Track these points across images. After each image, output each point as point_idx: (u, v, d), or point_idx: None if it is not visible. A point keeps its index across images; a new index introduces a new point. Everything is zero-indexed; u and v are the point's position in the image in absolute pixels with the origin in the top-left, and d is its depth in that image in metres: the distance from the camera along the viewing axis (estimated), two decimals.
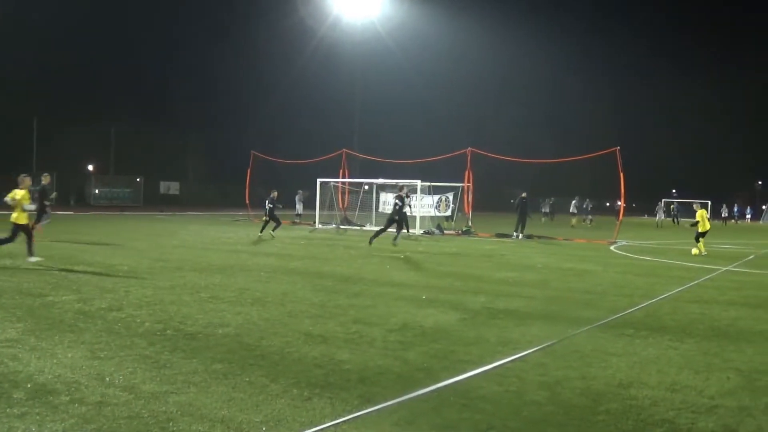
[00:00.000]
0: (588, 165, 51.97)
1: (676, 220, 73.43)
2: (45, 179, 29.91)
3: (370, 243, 29.27)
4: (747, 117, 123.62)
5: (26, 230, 20.19)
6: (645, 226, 61.77)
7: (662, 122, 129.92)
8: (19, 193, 19.75)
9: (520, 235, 38.48)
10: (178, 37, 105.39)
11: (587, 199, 63.11)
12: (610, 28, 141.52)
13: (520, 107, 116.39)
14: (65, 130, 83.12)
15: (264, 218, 35.46)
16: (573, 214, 59.47)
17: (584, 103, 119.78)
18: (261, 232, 35.08)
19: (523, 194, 39.98)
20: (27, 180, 20.55)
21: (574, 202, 60.27)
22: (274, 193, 35.43)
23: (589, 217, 62.99)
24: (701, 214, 29.31)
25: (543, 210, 66.58)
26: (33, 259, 20.00)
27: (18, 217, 19.84)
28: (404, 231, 34.92)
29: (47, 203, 29.58)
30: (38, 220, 27.58)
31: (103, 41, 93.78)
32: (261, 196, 45.63)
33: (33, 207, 20.87)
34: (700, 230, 29.29)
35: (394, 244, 28.72)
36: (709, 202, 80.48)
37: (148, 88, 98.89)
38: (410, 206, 40.82)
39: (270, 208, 35.00)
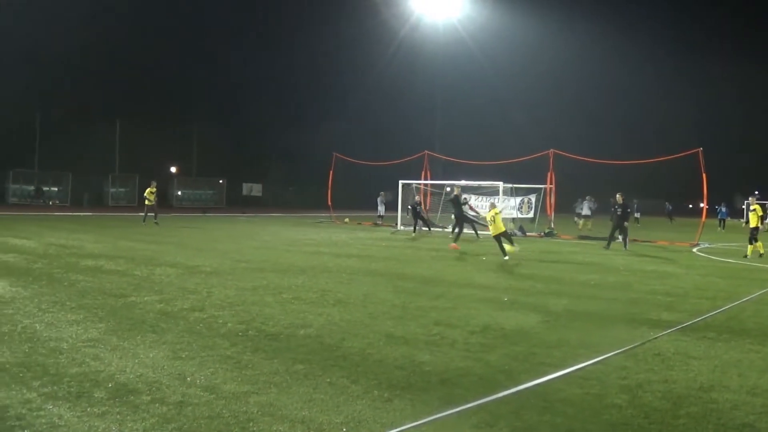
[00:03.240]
0: (670, 166, 51.11)
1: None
2: (417, 197, 35.18)
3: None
4: None
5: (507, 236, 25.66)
6: (728, 228, 60.48)
7: (745, 121, 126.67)
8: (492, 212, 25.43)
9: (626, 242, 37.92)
10: (260, 38, 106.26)
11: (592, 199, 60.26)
12: (691, 24, 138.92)
13: (600, 108, 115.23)
14: (148, 131, 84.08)
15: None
16: (580, 215, 54.83)
17: (666, 102, 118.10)
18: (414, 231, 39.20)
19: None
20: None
21: (586, 203, 55.28)
22: (418, 198, 40.17)
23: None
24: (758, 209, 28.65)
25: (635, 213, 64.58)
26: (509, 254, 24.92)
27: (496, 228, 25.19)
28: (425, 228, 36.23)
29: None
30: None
31: (186, 43, 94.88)
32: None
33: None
34: (752, 226, 28.63)
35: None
36: None
37: (229, 91, 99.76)
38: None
39: (416, 210, 39.96)
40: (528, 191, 47.48)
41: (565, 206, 54.64)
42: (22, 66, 78.60)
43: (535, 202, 46.71)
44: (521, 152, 49.89)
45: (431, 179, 52.38)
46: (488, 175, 48.26)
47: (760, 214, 28.28)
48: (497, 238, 25.28)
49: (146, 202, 42.54)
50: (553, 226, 43.23)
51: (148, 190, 42.36)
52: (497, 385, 8.50)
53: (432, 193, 52.68)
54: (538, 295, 16.29)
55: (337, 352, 9.92)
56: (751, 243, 28.56)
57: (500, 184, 43.70)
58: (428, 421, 7.14)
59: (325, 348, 10.18)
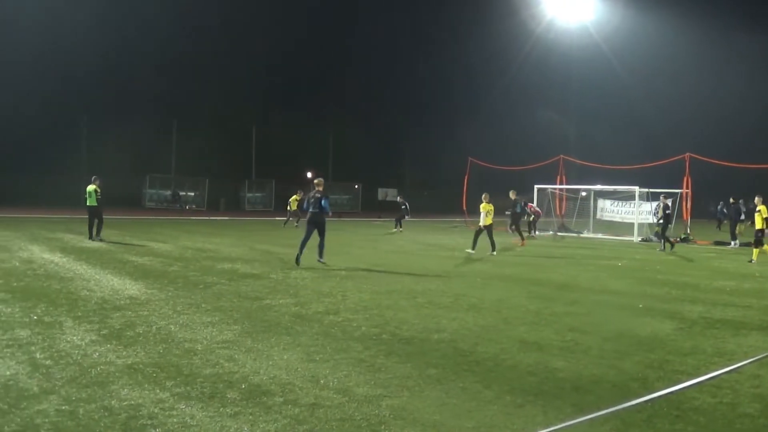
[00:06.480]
0: None
1: None
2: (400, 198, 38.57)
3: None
4: None
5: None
6: None
7: None
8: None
9: (736, 243, 37.34)
10: (392, 44, 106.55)
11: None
12: None
13: (737, 112, 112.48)
14: (283, 137, 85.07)
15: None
16: (742, 220, 51.61)
17: None
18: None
19: (731, 200, 38.94)
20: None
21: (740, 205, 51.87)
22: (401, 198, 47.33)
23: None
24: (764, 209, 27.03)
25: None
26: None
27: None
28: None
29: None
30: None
31: (322, 50, 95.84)
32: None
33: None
34: (757, 228, 27.32)
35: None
36: None
37: (364, 96, 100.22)
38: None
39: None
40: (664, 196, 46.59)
41: (701, 211, 53.59)
42: (158, 72, 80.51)
43: (672, 206, 45.84)
44: (657, 156, 49.12)
45: (566, 184, 51.92)
46: (624, 180, 47.63)
47: (765, 215, 26.94)
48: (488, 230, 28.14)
49: (288, 207, 46.78)
50: (689, 231, 42.43)
51: (293, 197, 45.73)
52: (630, 392, 8.49)
53: (567, 198, 52.23)
54: (673, 302, 16.10)
55: (470, 357, 10.01)
56: (756, 246, 27.48)
57: (636, 189, 43.18)
58: (560, 428, 7.16)
59: (458, 353, 10.27)
